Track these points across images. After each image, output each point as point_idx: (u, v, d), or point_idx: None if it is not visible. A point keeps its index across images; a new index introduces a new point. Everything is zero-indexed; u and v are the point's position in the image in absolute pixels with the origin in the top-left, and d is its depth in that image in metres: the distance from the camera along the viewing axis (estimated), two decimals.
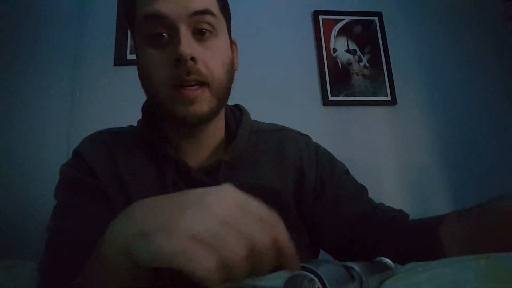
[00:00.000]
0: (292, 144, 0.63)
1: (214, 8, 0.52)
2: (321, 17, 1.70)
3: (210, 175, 0.55)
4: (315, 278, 0.28)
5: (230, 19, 0.59)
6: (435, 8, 1.80)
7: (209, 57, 0.51)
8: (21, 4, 1.56)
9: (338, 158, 0.70)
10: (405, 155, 1.59)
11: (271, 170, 0.59)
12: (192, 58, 0.48)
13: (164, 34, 0.50)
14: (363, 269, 0.32)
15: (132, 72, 1.78)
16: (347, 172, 0.66)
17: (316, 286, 0.28)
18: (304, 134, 0.68)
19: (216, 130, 0.59)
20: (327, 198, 0.60)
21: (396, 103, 1.63)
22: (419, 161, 1.59)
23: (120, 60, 1.52)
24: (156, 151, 0.56)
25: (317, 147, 0.66)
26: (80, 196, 0.53)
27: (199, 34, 0.51)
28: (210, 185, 0.53)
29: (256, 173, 0.58)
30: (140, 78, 0.55)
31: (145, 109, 0.61)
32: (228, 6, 0.58)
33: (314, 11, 1.71)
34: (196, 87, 0.50)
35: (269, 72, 1.59)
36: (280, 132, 0.65)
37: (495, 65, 1.76)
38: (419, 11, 1.79)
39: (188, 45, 0.48)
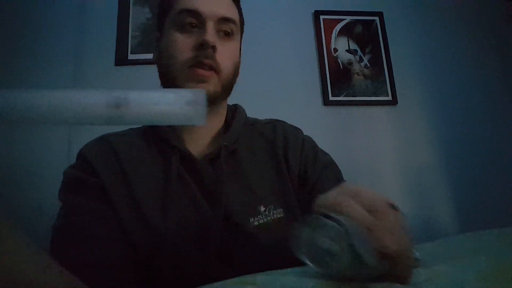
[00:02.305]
0: (281, 132, 0.68)
1: (237, 18, 0.65)
2: (322, 17, 1.70)
3: (213, 163, 0.60)
4: (339, 226, 0.29)
5: (243, 29, 0.71)
6: (436, 8, 1.80)
7: (224, 53, 0.60)
8: (21, 4, 1.56)
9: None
10: (405, 155, 1.59)
11: (265, 157, 0.64)
12: (213, 47, 0.58)
13: (194, 24, 0.60)
14: None
15: (133, 72, 1.76)
16: (327, 165, 0.67)
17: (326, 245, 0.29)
18: (296, 127, 0.73)
19: (217, 121, 0.66)
20: (306, 188, 0.63)
21: (397, 103, 1.63)
22: (419, 161, 1.59)
23: (121, 60, 1.53)
24: (161, 144, 0.61)
25: (304, 138, 0.70)
26: (82, 195, 0.55)
27: (223, 34, 0.62)
28: (214, 174, 0.58)
29: (254, 160, 0.63)
30: (157, 60, 0.64)
31: None
32: (243, 19, 0.71)
33: (315, 11, 1.71)
34: (208, 70, 0.59)
35: (269, 72, 1.59)
36: (272, 123, 0.71)
37: (495, 65, 1.76)
38: (420, 11, 1.79)
39: (212, 35, 0.59)
